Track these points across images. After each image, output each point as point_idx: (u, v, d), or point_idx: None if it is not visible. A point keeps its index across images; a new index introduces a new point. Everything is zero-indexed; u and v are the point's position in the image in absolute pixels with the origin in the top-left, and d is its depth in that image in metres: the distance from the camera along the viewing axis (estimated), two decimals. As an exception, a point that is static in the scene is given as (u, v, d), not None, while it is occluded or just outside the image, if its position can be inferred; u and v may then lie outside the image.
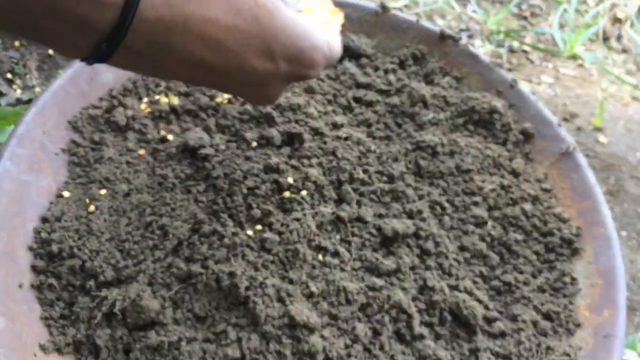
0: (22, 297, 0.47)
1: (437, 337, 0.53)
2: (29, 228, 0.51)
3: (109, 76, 0.60)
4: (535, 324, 0.53)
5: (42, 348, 0.45)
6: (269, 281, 0.50)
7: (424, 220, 0.57)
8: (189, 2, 0.35)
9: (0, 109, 0.58)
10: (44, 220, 0.52)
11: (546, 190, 0.62)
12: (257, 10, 0.38)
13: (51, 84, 0.56)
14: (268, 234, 0.53)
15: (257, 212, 0.54)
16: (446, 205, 0.59)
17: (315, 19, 0.47)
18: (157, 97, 0.62)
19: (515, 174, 0.62)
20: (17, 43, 0.73)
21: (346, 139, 0.61)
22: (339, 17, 0.51)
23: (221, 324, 0.48)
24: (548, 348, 0.52)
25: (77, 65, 0.58)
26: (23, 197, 0.51)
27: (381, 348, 0.51)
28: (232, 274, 0.49)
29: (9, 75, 0.74)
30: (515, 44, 1.01)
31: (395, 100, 0.64)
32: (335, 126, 0.62)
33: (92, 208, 0.54)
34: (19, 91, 0.73)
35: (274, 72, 0.40)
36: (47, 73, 0.73)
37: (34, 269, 0.49)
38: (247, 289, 0.49)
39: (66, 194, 0.54)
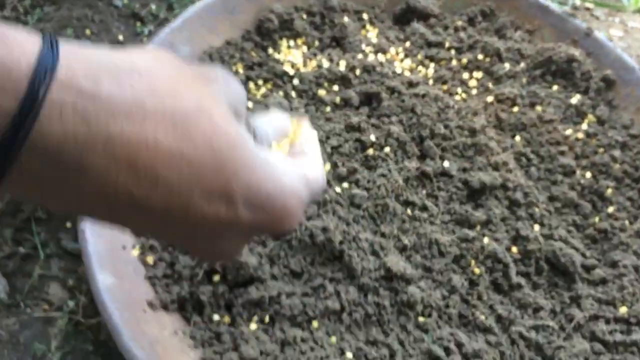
0: (127, 258, 0.48)
1: (534, 286, 0.52)
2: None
3: (187, 50, 0.61)
4: (636, 268, 0.52)
5: (150, 305, 0.46)
6: (361, 235, 0.50)
7: (510, 171, 0.56)
8: (116, 117, 0.24)
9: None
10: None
11: (634, 136, 0.60)
12: (214, 137, 0.27)
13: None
14: (356, 190, 0.53)
15: (343, 170, 0.54)
16: (531, 156, 0.58)
17: (284, 149, 0.34)
18: (232, 68, 0.62)
19: (600, 121, 0.61)
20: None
21: (423, 96, 0.60)
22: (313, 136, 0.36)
23: (317, 278, 0.49)
24: (653, 292, 0.51)
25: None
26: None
27: (479, 298, 0.50)
28: (325, 229, 0.49)
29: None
30: (578, 1, 0.99)
31: (468, 56, 0.63)
32: (411, 84, 0.62)
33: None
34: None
35: (231, 221, 0.28)
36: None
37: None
38: (341, 243, 0.49)
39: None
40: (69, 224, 0.62)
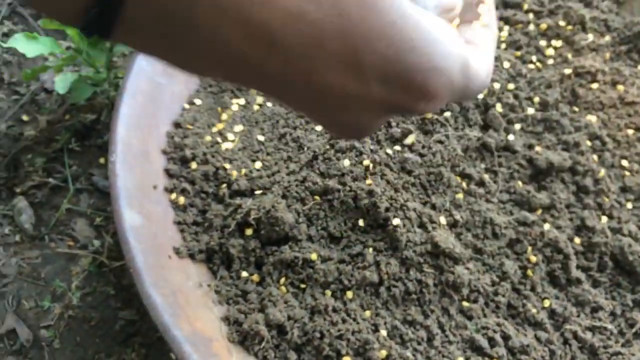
0: (157, 198, 0.45)
1: (595, 283, 0.47)
2: (162, 131, 0.48)
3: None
4: None
5: (177, 251, 0.43)
6: (410, 204, 0.45)
7: (582, 154, 0.50)
8: None
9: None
10: (177, 125, 0.50)
11: None
12: None
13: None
14: (409, 154, 0.48)
15: (396, 131, 0.50)
16: (607, 139, 0.52)
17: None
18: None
19: (690, 109, 0.54)
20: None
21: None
22: (492, 33, 0.31)
23: (357, 245, 0.45)
24: None
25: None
26: (157, 99, 0.49)
27: (532, 289, 0.45)
28: (371, 193, 0.45)
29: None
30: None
31: (548, 21, 0.57)
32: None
33: (224, 117, 0.51)
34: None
35: (360, 94, 0.24)
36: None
37: (167, 172, 0.47)
38: (387, 210, 0.45)
39: (198, 101, 0.52)
40: (102, 160, 0.59)
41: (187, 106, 0.51)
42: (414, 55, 0.24)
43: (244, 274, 0.44)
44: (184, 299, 0.40)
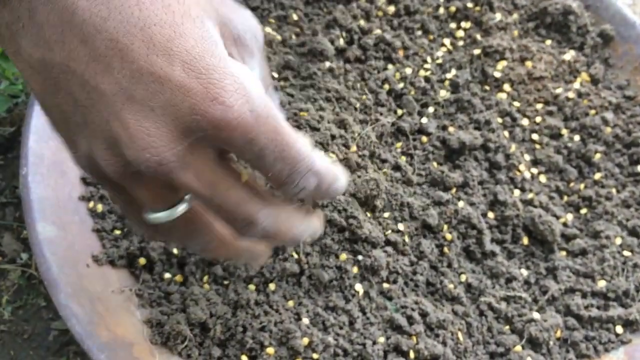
0: (73, 208, 0.45)
1: (510, 255, 0.49)
2: (76, 140, 0.48)
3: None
4: (619, 240, 0.49)
5: (95, 259, 0.43)
6: None
7: (492, 131, 0.52)
8: None
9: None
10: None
11: (629, 98, 0.56)
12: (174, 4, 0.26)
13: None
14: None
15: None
16: (517, 115, 0.54)
17: None
18: None
19: (593, 80, 0.56)
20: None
21: (404, 46, 0.56)
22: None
23: None
24: (635, 265, 0.48)
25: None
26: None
27: (449, 265, 0.47)
28: None
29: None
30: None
31: (457, 3, 0.58)
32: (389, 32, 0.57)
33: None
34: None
35: (164, 77, 0.26)
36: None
37: (84, 180, 0.47)
38: None
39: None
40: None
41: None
42: (214, 59, 0.27)
43: (167, 275, 0.45)
44: (103, 306, 0.41)
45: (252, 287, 0.44)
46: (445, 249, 0.47)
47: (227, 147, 0.29)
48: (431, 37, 0.57)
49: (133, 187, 0.29)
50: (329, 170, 0.31)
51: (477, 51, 0.56)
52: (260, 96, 0.28)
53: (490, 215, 0.49)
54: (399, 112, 0.53)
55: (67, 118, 0.28)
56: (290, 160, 0.30)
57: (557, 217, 0.50)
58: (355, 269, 0.45)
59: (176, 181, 0.28)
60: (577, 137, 0.53)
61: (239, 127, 0.27)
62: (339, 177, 0.32)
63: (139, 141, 0.27)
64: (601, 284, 0.47)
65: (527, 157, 0.52)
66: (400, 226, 0.47)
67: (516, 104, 0.54)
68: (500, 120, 0.53)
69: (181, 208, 0.31)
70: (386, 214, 0.48)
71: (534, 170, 0.52)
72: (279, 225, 0.32)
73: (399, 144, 0.51)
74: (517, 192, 0.50)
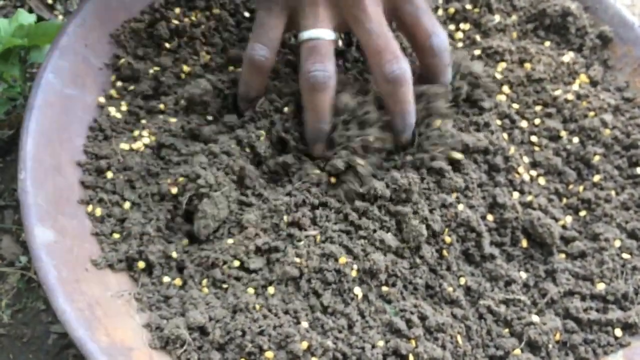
0: (72, 212, 0.45)
1: (509, 257, 0.49)
2: (77, 144, 0.48)
3: (149, -12, 0.56)
4: (619, 243, 0.49)
5: (94, 263, 0.43)
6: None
7: (491, 133, 0.52)
8: None
9: (41, 23, 0.55)
10: (91, 135, 0.49)
11: (628, 100, 0.56)
12: None
13: (89, -5, 0.52)
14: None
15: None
16: (516, 117, 0.54)
17: None
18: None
19: (592, 82, 0.56)
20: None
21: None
22: None
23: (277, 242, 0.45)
24: (634, 268, 0.48)
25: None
26: (69, 111, 0.48)
27: (448, 268, 0.47)
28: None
29: (49, 1, 0.71)
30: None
31: (456, 5, 0.58)
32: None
33: (142, 122, 0.51)
34: (60, 17, 0.70)
35: None
36: None
37: (83, 184, 0.47)
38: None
39: (112, 110, 0.51)
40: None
41: (100, 116, 0.51)
42: None
43: (166, 279, 0.45)
44: (102, 310, 0.41)
45: (251, 290, 0.44)
46: (445, 252, 0.47)
47: None
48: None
49: (314, 4, 0.46)
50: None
51: (476, 52, 0.56)
52: None
53: (490, 218, 0.49)
54: None
55: None
56: (433, 17, 0.48)
57: (556, 220, 0.50)
58: (354, 272, 0.45)
59: (362, 6, 0.45)
60: (576, 139, 0.53)
61: None
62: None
63: None
64: (600, 287, 0.47)
65: (526, 159, 0.52)
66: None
67: (515, 106, 0.54)
68: (499, 122, 0.53)
69: (332, 35, 0.46)
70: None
71: (533, 173, 0.52)
72: (403, 80, 0.46)
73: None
74: (516, 194, 0.50)
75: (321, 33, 0.45)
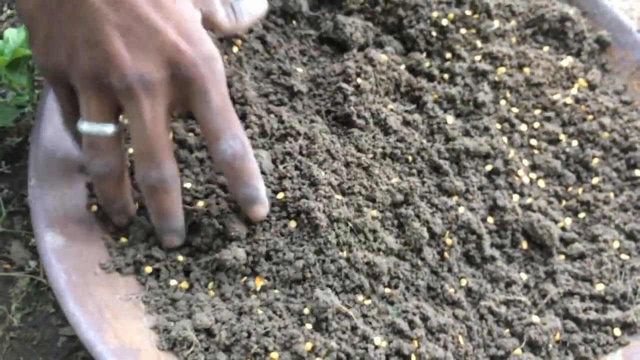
0: (81, 217, 0.46)
1: (509, 259, 0.50)
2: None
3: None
4: (617, 244, 0.50)
5: (103, 267, 0.44)
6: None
7: (491, 137, 0.53)
8: None
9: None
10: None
11: (626, 103, 0.57)
12: None
13: None
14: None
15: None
16: (515, 121, 0.55)
17: None
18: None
19: (591, 86, 0.57)
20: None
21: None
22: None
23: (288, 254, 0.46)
24: (633, 269, 0.48)
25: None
26: (76, 118, 0.49)
27: (449, 270, 0.48)
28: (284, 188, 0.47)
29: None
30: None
31: (455, 11, 0.59)
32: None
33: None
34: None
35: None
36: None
37: (91, 190, 0.48)
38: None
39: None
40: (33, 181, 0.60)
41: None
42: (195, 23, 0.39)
43: (173, 282, 0.46)
44: (111, 313, 0.42)
45: (255, 293, 0.45)
46: (446, 254, 0.48)
47: (187, 90, 0.38)
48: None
49: (86, 91, 0.38)
50: (252, 158, 0.42)
51: (477, 58, 0.57)
52: (222, 69, 0.39)
53: (490, 220, 0.50)
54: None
55: (57, 30, 0.37)
56: (229, 120, 0.40)
57: (556, 222, 0.51)
58: (357, 275, 0.46)
59: (135, 100, 0.37)
60: (575, 142, 0.54)
61: (204, 72, 0.38)
62: (257, 176, 0.42)
63: (128, 60, 0.36)
64: (599, 287, 0.48)
65: (526, 162, 0.53)
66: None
67: (515, 110, 0.55)
68: (499, 126, 0.54)
69: (111, 128, 0.40)
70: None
71: (533, 176, 0.53)
72: (171, 189, 0.41)
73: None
74: (516, 197, 0.51)
75: (94, 128, 0.39)
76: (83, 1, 0.35)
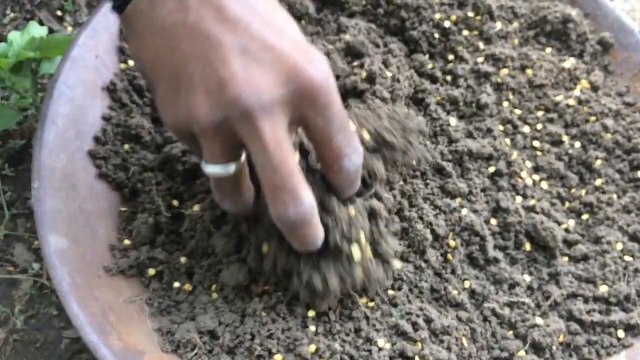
0: (84, 220, 0.46)
1: (513, 261, 0.49)
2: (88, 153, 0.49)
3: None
4: (621, 246, 0.49)
5: (107, 270, 0.44)
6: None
7: (494, 139, 0.53)
8: None
9: (53, 36, 0.56)
10: (101, 144, 0.51)
11: (629, 105, 0.57)
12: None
13: (99, 8, 0.53)
14: None
15: None
16: (518, 123, 0.54)
17: None
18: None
19: (594, 88, 0.57)
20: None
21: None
22: None
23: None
24: (636, 270, 0.48)
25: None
26: (81, 122, 0.49)
27: (453, 272, 0.48)
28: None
29: (59, 13, 0.72)
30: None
31: (458, 13, 0.59)
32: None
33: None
34: (69, 29, 0.71)
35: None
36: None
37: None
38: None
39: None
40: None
41: (110, 126, 0.52)
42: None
43: (176, 284, 0.46)
44: (114, 315, 0.42)
45: (259, 295, 0.45)
46: (449, 256, 0.48)
47: (308, 108, 0.36)
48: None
49: (204, 135, 0.36)
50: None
51: (480, 59, 0.57)
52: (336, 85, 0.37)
53: (493, 222, 0.50)
54: None
55: (176, 73, 0.36)
56: (349, 135, 0.38)
57: (559, 224, 0.50)
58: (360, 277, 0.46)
59: (253, 124, 0.34)
60: (578, 144, 0.54)
61: (325, 87, 0.36)
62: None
63: (244, 82, 0.34)
64: (603, 289, 0.47)
65: (529, 164, 0.53)
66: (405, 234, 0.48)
67: (517, 111, 0.55)
68: (502, 128, 0.54)
69: (233, 167, 0.38)
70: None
71: (536, 177, 0.53)
72: (313, 219, 0.38)
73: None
74: (519, 199, 0.51)
75: (217, 170, 0.38)
76: (199, 32, 0.34)
